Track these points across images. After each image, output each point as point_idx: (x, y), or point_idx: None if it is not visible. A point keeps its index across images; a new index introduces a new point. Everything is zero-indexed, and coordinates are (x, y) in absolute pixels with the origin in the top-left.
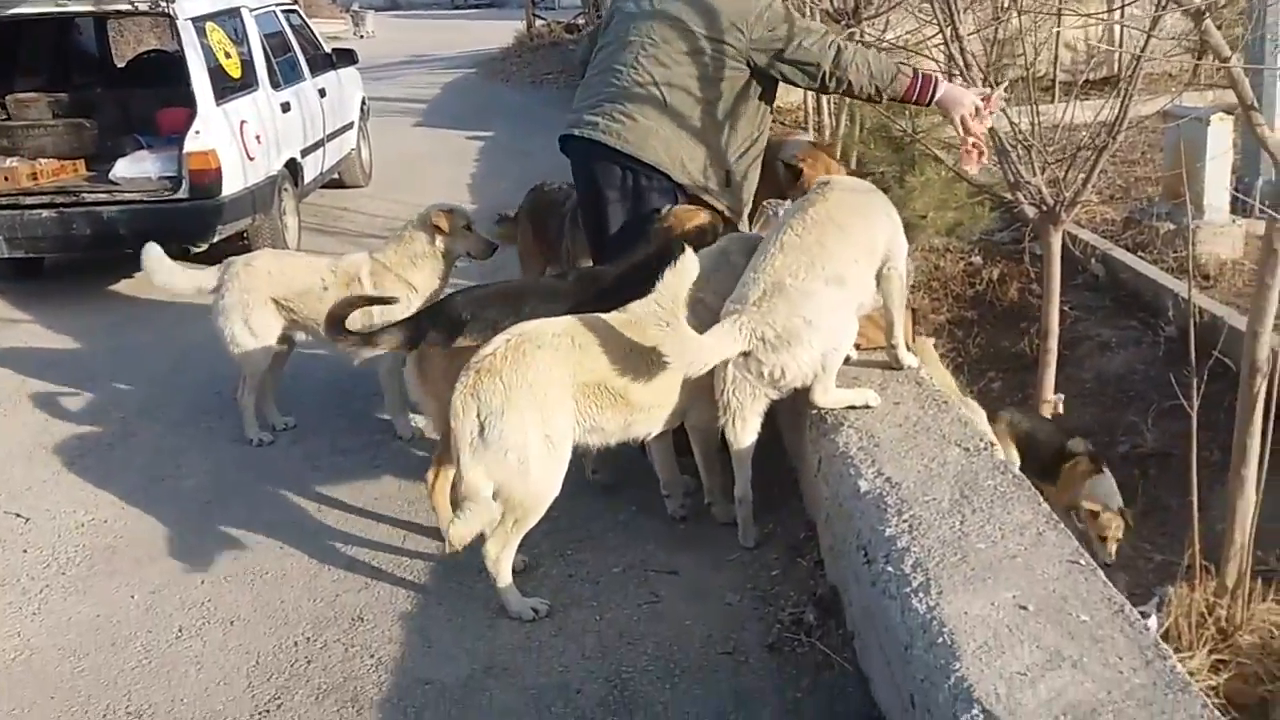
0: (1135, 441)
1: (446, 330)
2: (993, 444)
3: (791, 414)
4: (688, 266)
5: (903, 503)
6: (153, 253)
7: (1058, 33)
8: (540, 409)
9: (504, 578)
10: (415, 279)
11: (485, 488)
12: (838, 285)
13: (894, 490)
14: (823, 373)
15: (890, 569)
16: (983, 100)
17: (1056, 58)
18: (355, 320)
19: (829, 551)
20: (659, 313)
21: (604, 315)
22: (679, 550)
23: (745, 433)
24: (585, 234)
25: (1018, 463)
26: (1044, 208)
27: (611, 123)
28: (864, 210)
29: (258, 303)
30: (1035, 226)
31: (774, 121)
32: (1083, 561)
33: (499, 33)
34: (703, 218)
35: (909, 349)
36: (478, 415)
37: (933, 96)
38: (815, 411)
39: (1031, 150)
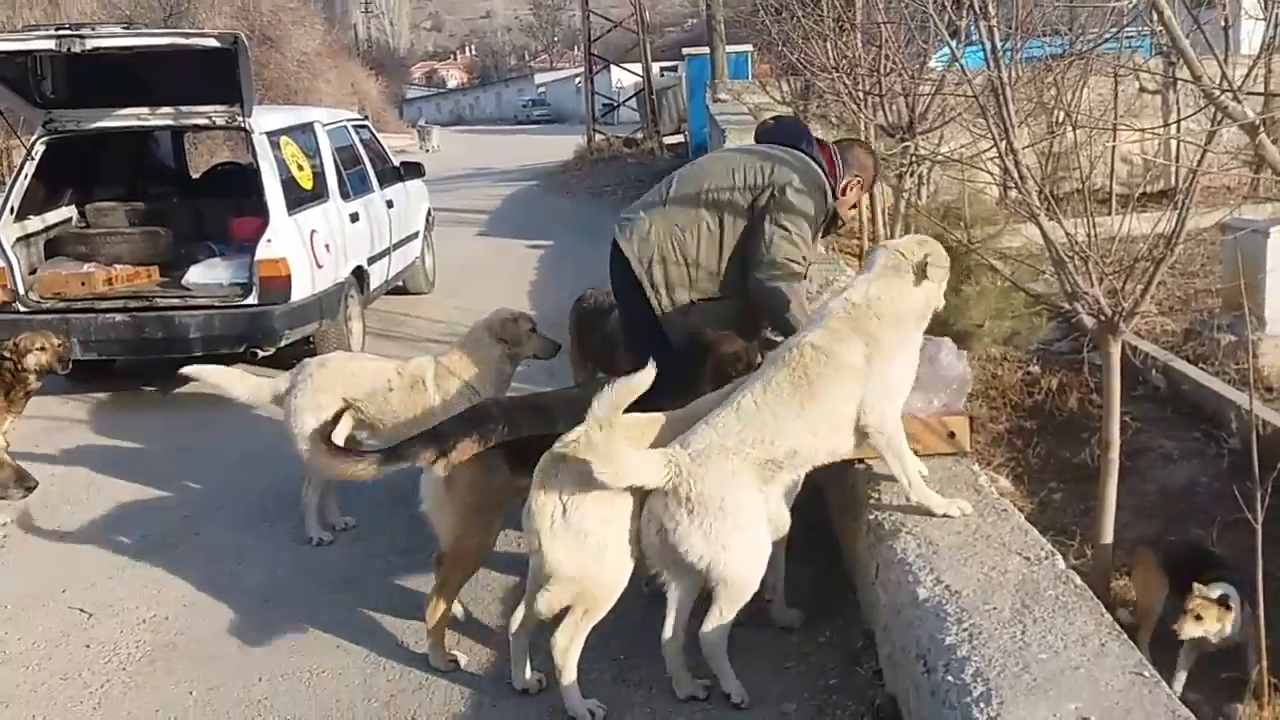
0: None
1: (478, 442)
2: (1054, 553)
3: (848, 518)
4: (641, 380)
5: (963, 611)
6: (211, 374)
7: (1113, 147)
8: (618, 498)
9: (569, 673)
10: (478, 383)
11: (564, 566)
12: (775, 471)
13: (954, 598)
14: (709, 574)
15: (951, 679)
16: None
17: (1113, 171)
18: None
19: (887, 660)
20: (594, 416)
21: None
22: (734, 656)
23: (669, 582)
24: (623, 337)
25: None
26: (1102, 318)
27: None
28: (841, 369)
29: (330, 403)
30: (1094, 337)
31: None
32: (1146, 674)
33: (560, 147)
34: (736, 346)
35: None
36: (560, 496)
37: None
38: (872, 517)
39: (1089, 261)
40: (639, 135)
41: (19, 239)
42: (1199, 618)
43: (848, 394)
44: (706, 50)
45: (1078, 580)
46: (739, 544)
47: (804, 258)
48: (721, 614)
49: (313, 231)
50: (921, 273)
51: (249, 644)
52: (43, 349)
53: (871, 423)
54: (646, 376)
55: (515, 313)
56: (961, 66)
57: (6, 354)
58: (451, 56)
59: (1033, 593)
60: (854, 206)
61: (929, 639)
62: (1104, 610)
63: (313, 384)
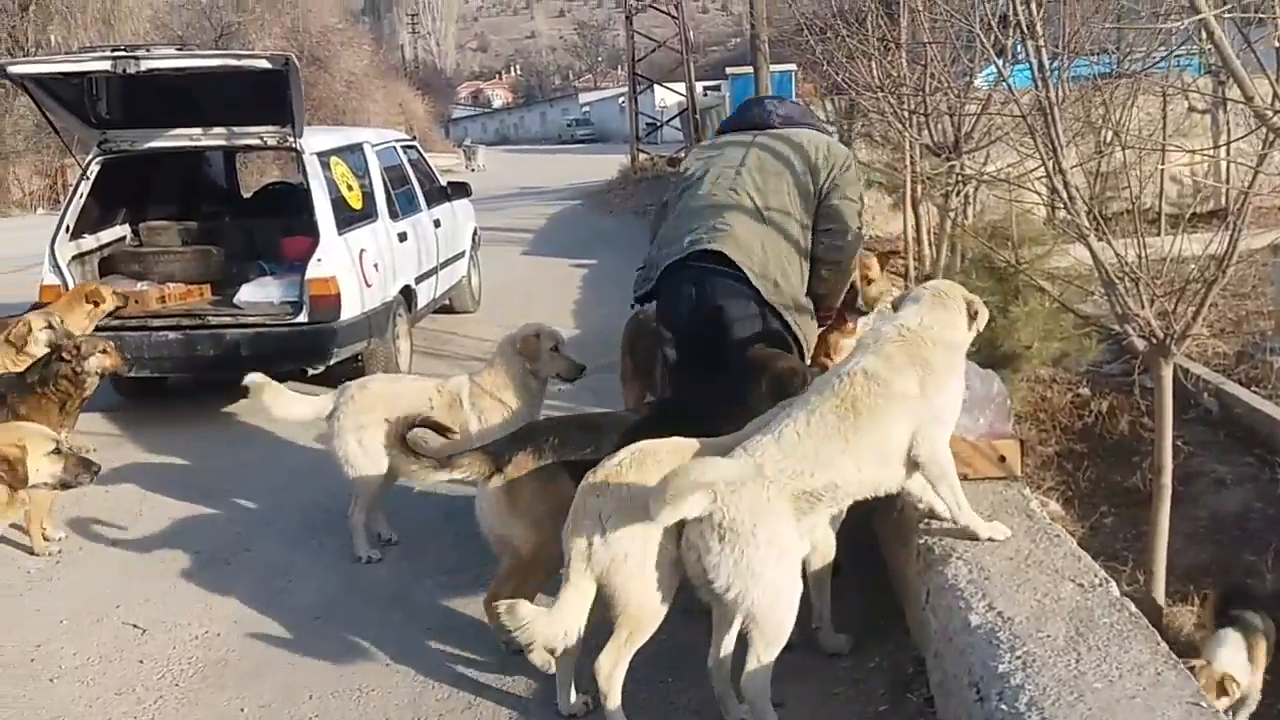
0: (1254, 582)
1: (532, 457)
2: (1108, 580)
3: (896, 543)
4: None
5: (1016, 639)
6: (262, 387)
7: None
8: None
9: (614, 697)
10: (510, 400)
11: (590, 588)
12: (812, 503)
13: (1006, 625)
14: (738, 606)
15: (1004, 707)
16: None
17: (1162, 191)
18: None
19: (939, 687)
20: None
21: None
22: (784, 680)
23: (715, 609)
24: (677, 356)
25: None
26: (1154, 340)
27: (715, 233)
28: (895, 398)
29: (371, 424)
30: (1145, 359)
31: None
32: (1204, 704)
33: (604, 166)
34: (793, 362)
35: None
36: (600, 516)
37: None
38: (922, 541)
39: (1139, 283)
40: (682, 154)
41: (74, 257)
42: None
43: (900, 424)
44: (750, 70)
45: (1132, 608)
46: (771, 578)
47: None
48: (760, 658)
49: (362, 251)
50: (972, 312)
51: (298, 661)
52: (104, 351)
53: (924, 454)
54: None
55: (538, 328)
56: (1009, 85)
57: (66, 356)
58: (497, 76)
59: (1087, 620)
60: None
61: (982, 666)
62: (1159, 639)
63: (354, 406)
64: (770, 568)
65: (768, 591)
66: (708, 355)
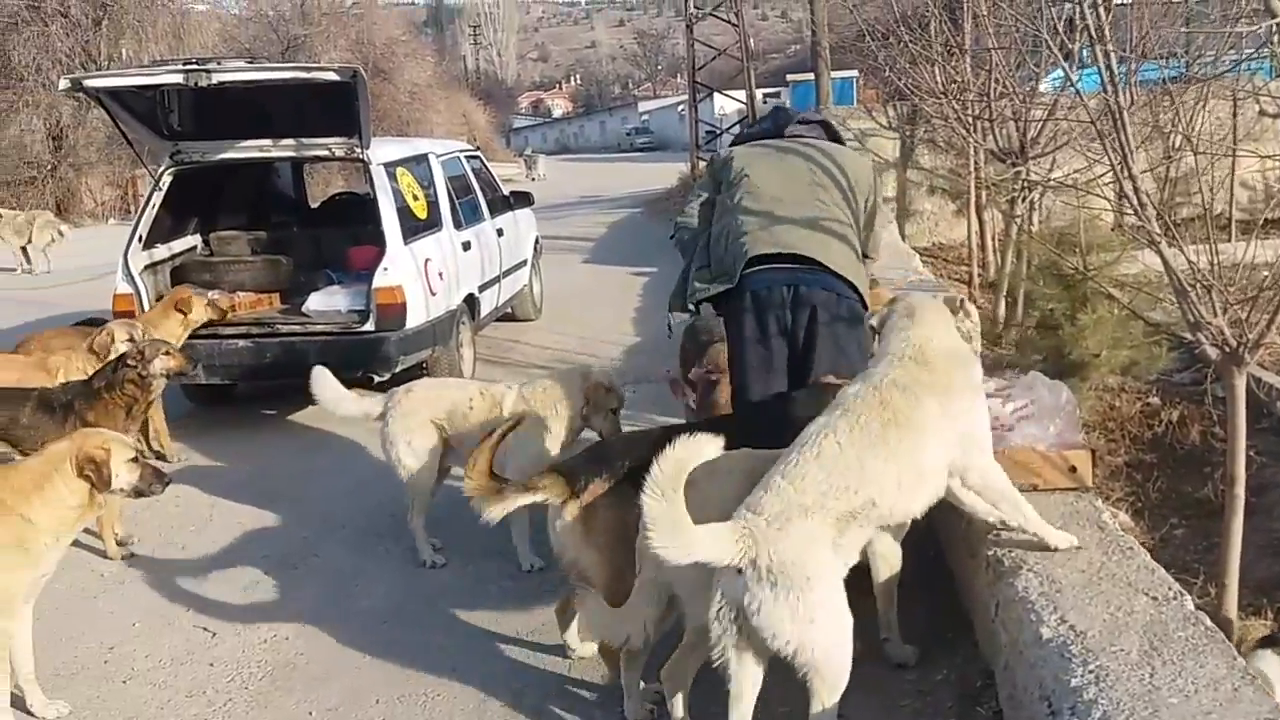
0: None
1: (608, 478)
2: (1182, 593)
3: (964, 554)
4: (705, 447)
5: (1088, 652)
6: (321, 378)
7: (1233, 173)
8: None
9: (678, 706)
10: (551, 425)
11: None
12: (847, 525)
13: (1079, 639)
14: (797, 659)
15: None
16: None
17: (1233, 197)
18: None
19: (1008, 701)
20: (656, 480)
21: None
22: (848, 692)
23: (739, 673)
24: (732, 369)
25: None
26: (1226, 349)
27: (807, 239)
28: (935, 401)
29: (418, 426)
30: (1217, 368)
31: (939, 258)
32: None
33: (663, 174)
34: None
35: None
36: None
37: None
38: (991, 553)
39: (1211, 290)
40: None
41: (146, 266)
42: None
43: (936, 444)
44: (811, 76)
45: (1208, 622)
46: (827, 619)
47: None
48: (824, 704)
49: (427, 260)
50: (954, 309)
51: (365, 665)
52: (168, 353)
53: (975, 482)
54: (715, 446)
55: (611, 383)
56: (1077, 90)
57: (131, 360)
58: (557, 86)
59: (1161, 634)
60: None
61: (1054, 680)
62: (1235, 653)
63: (400, 410)
64: (826, 611)
65: (824, 637)
66: (798, 359)
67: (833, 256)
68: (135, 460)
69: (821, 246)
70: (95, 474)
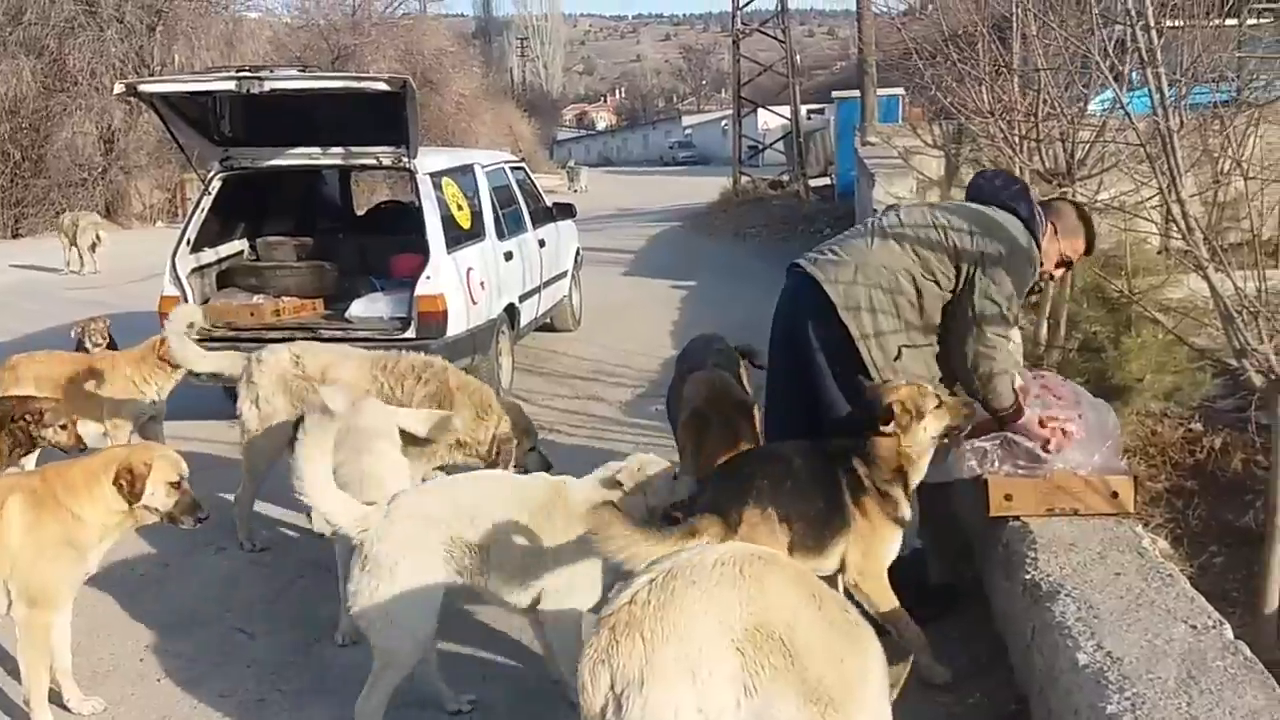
0: None
1: (756, 506)
2: (1222, 622)
3: (1001, 577)
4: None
5: (1125, 679)
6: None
7: None
8: (693, 674)
9: None
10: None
11: None
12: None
13: (1115, 666)
14: None
15: None
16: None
17: None
18: None
19: None
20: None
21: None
22: None
23: None
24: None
25: None
26: (1272, 376)
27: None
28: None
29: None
30: (1262, 395)
31: None
32: None
33: (705, 188)
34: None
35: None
36: (611, 687)
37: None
38: (1028, 576)
39: (1258, 316)
40: (784, 177)
41: (194, 269)
42: None
43: None
44: (857, 93)
45: (1247, 651)
46: None
47: (1009, 329)
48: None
49: (469, 269)
50: None
51: None
52: (64, 427)
53: None
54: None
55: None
56: (1127, 112)
57: (29, 416)
58: (601, 99)
59: (1199, 663)
60: (1056, 273)
61: (1089, 707)
62: (1275, 684)
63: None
64: None
65: None
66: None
67: (864, 320)
68: (176, 485)
69: (833, 268)
70: (128, 484)
